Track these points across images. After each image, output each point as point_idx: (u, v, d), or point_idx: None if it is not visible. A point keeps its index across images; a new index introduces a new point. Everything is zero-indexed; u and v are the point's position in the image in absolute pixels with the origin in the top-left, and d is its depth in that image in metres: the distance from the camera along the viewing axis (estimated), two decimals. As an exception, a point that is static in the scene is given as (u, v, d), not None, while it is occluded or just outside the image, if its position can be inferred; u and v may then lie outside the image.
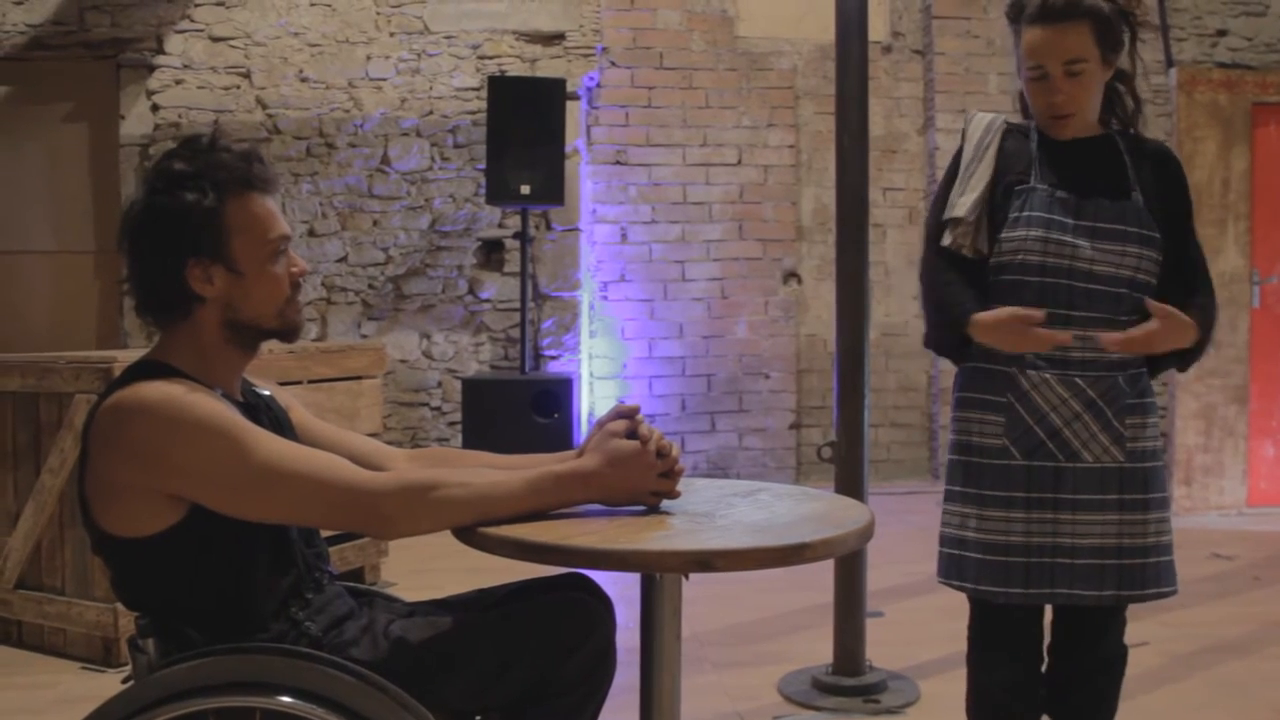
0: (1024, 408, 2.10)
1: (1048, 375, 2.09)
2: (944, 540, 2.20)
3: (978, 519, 2.12)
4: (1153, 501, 2.13)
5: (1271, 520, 5.56)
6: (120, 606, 3.27)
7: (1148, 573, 2.11)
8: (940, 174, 6.80)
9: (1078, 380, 2.09)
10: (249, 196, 1.61)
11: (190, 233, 1.56)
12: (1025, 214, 2.10)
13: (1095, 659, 2.22)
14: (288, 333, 1.68)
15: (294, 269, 1.67)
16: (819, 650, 3.34)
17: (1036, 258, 2.08)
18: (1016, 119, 2.27)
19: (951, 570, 2.17)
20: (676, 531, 1.53)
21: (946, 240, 2.17)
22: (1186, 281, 2.15)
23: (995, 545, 2.10)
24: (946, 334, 2.18)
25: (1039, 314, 2.03)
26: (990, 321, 2.07)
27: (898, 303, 6.65)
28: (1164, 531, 2.14)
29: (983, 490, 2.12)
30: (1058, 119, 2.14)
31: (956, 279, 2.17)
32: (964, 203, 2.16)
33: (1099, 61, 2.10)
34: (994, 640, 2.20)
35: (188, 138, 1.64)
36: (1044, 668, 2.24)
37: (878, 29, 6.36)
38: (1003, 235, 2.12)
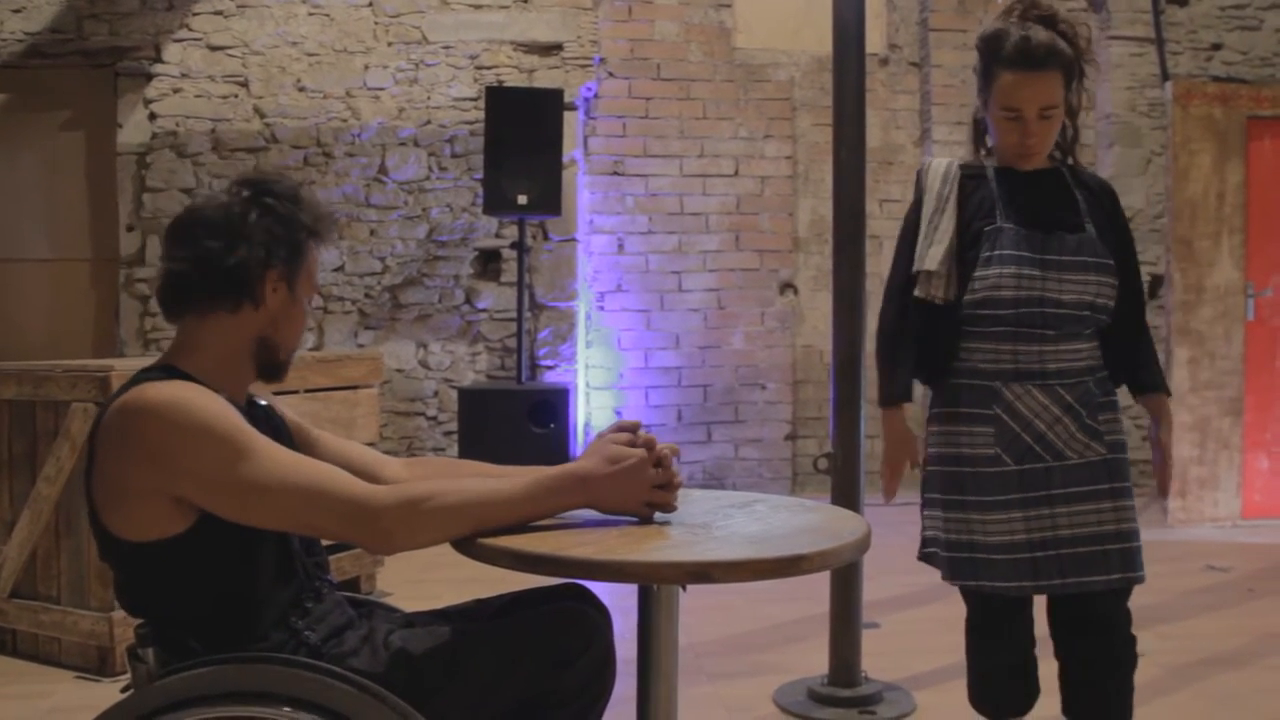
0: (1010, 417, 2.27)
1: (1029, 386, 2.26)
2: (950, 545, 2.32)
3: (982, 523, 2.27)
4: (1130, 489, 2.31)
5: (1266, 532, 5.57)
6: (116, 616, 3.28)
7: (1137, 556, 2.27)
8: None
9: (1057, 388, 2.26)
10: (320, 246, 1.76)
11: (290, 245, 1.68)
12: (997, 253, 2.26)
13: (1107, 652, 2.32)
14: (280, 369, 1.74)
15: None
16: (815, 661, 3.34)
17: (1010, 292, 2.24)
18: (965, 158, 2.43)
19: (965, 571, 2.30)
20: (674, 542, 1.54)
21: (919, 292, 2.32)
22: (1135, 313, 2.38)
23: (1003, 545, 2.25)
24: (881, 398, 2.44)
25: (909, 470, 2.37)
26: (891, 435, 2.43)
27: (894, 314, 6.66)
28: (1134, 518, 2.31)
29: (982, 497, 2.27)
30: (1025, 156, 2.31)
31: (910, 347, 2.37)
32: (933, 255, 2.31)
33: (1064, 105, 2.28)
34: (991, 631, 2.38)
35: (283, 175, 1.81)
36: (1057, 669, 2.36)
37: (875, 41, 6.39)
38: (977, 274, 2.27)
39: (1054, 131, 2.29)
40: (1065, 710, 2.38)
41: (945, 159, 2.41)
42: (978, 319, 2.28)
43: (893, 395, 2.41)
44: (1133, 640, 2.35)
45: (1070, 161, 2.39)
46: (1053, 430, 2.24)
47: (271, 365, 1.72)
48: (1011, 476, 2.25)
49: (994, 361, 2.28)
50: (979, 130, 2.41)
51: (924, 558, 2.43)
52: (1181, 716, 2.37)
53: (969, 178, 2.35)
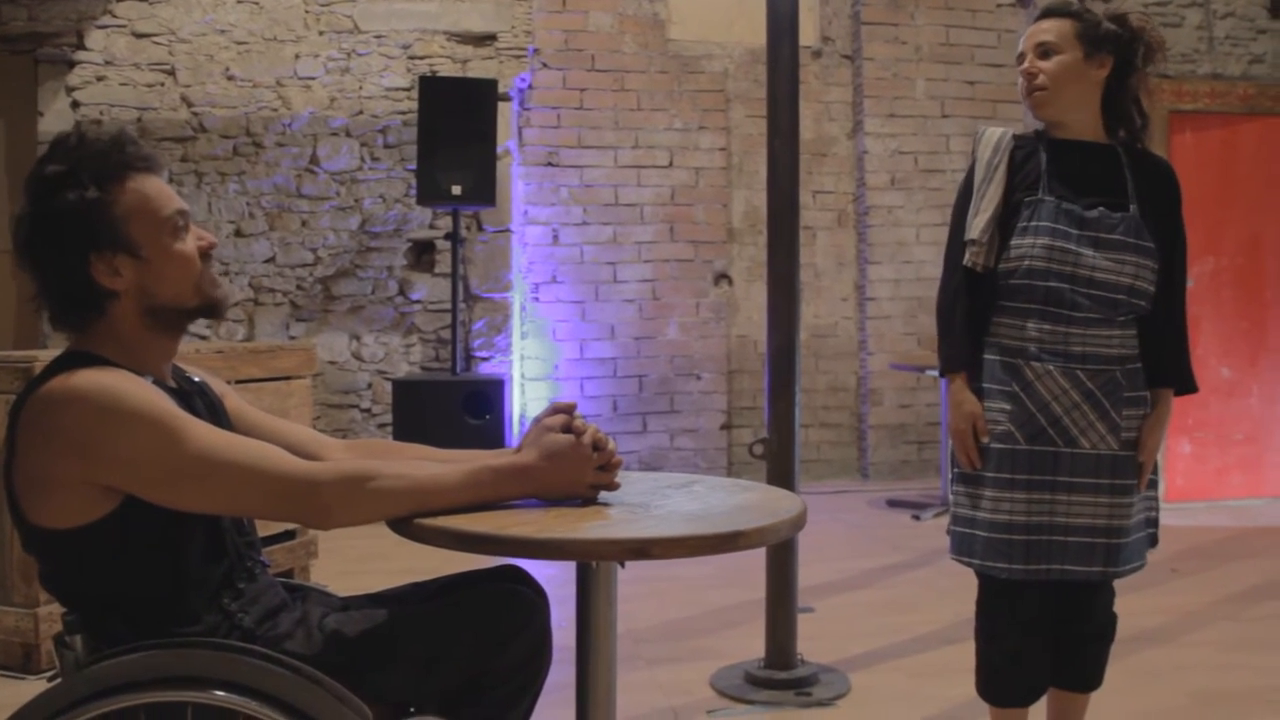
0: (1028, 396, 2.26)
1: (1051, 367, 2.26)
2: (955, 519, 2.35)
3: (985, 499, 2.27)
4: (1133, 487, 2.29)
5: (1188, 514, 5.73)
6: (41, 612, 3.21)
7: (1127, 550, 2.28)
8: (869, 177, 6.94)
9: (1079, 373, 2.25)
10: (132, 179, 1.57)
11: (83, 230, 1.52)
12: (1033, 224, 2.27)
13: (1091, 628, 2.38)
14: (210, 308, 1.64)
15: (201, 242, 1.63)
16: (751, 645, 3.37)
17: (1042, 264, 2.25)
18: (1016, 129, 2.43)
19: (962, 547, 2.32)
20: (613, 521, 1.54)
21: (966, 260, 2.33)
22: (1168, 302, 2.33)
23: (999, 524, 2.25)
24: (940, 368, 2.41)
25: (980, 440, 2.27)
26: (957, 401, 2.30)
27: (828, 304, 6.73)
28: (1140, 510, 2.31)
29: (988, 472, 2.27)
30: (1033, 94, 2.32)
31: (965, 315, 2.34)
32: (977, 224, 2.32)
33: (1079, 55, 2.29)
34: (999, 612, 2.34)
35: (54, 140, 1.59)
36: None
37: (808, 34, 6.44)
38: (1012, 243, 2.28)
39: (1060, 72, 2.27)
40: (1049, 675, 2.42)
41: (1001, 128, 2.40)
42: (1009, 292, 2.29)
43: (950, 362, 2.35)
44: (1113, 618, 2.41)
45: (1139, 146, 2.36)
46: (1069, 415, 2.23)
47: (190, 312, 1.62)
48: (1021, 456, 2.24)
49: (1018, 338, 2.28)
50: None
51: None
52: (1105, 691, 2.43)
53: (1021, 148, 2.35)
